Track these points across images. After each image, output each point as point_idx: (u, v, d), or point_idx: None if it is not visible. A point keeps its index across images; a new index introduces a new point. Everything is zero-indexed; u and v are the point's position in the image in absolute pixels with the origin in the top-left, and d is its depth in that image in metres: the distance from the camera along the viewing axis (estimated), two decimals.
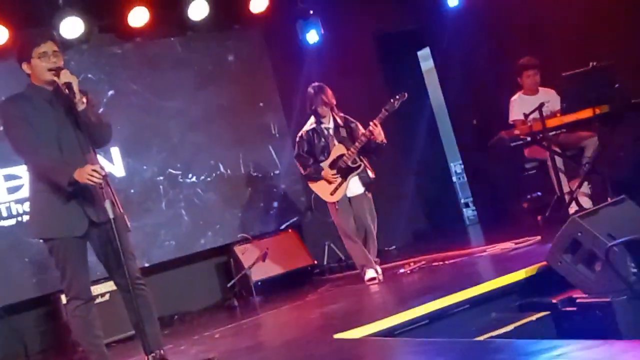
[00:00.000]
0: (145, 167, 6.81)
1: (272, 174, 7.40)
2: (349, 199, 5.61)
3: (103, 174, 3.33)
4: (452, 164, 9.29)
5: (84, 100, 3.42)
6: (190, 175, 7.01)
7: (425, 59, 8.89)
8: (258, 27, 7.43)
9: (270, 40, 7.55)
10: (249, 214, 7.20)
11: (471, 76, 7.99)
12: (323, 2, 7.61)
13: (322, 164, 5.64)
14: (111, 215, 3.30)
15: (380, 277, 5.54)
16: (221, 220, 7.04)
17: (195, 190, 7.01)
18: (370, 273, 5.54)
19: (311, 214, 7.09)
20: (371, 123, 5.42)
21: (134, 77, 6.82)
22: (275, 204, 7.34)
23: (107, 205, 3.31)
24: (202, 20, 6.89)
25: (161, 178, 6.88)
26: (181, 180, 6.96)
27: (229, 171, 7.19)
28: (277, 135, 7.49)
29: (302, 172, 5.75)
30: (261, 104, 7.48)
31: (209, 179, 7.09)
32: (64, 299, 3.67)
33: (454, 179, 9.32)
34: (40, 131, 3.41)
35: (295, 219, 7.34)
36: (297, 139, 5.76)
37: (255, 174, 7.33)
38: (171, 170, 6.93)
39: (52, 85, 3.49)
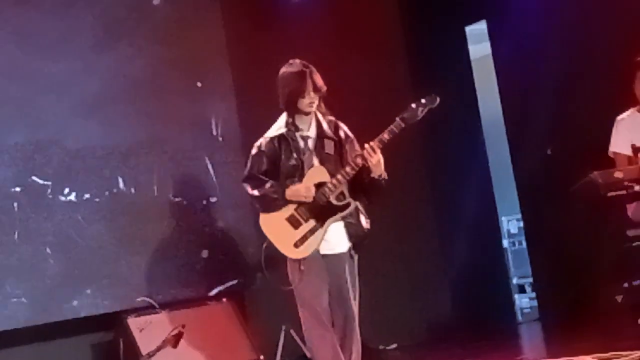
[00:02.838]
0: None
1: (204, 202, 7.42)
2: (324, 257, 5.56)
3: None
4: (504, 219, 9.31)
5: None
6: (66, 191, 6.99)
7: (478, 39, 8.95)
8: None
9: None
10: (159, 265, 7.19)
11: (551, 73, 8.01)
12: None
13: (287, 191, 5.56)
14: None
15: None
16: (111, 272, 7.02)
17: (73, 217, 6.99)
18: None
19: (263, 277, 7.03)
20: (367, 145, 5.42)
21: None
22: (205, 254, 7.34)
23: None
24: None
25: (17, 190, 6.83)
26: (51, 196, 6.94)
27: (132, 190, 7.20)
28: (221, 138, 7.52)
29: (254, 193, 5.67)
30: (199, 84, 7.52)
31: (97, 199, 7.08)
32: None
33: (506, 244, 9.33)
34: None
35: (234, 281, 7.34)
36: (254, 150, 5.72)
37: (176, 199, 7.35)
38: (36, 179, 6.90)
39: None
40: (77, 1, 7.13)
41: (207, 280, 7.30)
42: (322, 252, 5.54)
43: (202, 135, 7.48)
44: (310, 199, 5.50)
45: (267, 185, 5.59)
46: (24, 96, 6.90)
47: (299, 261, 5.55)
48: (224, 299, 7.22)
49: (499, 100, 8.73)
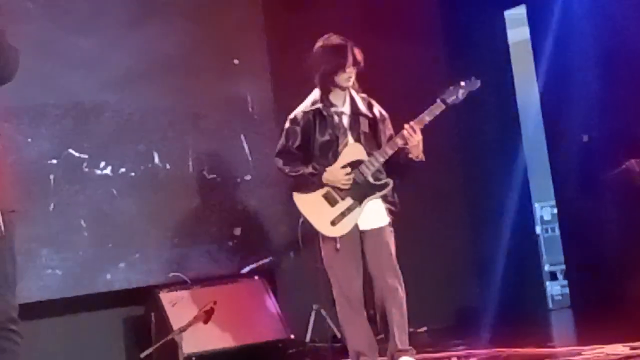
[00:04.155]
0: (29, 141, 6.82)
1: (238, 180, 7.45)
2: (362, 233, 5.57)
3: None
4: (537, 205, 9.26)
5: None
6: (102, 165, 7.04)
7: (517, 24, 8.92)
8: None
9: None
10: (192, 241, 7.23)
11: (590, 59, 7.98)
12: None
13: (327, 169, 5.56)
14: None
15: None
16: (144, 246, 7.07)
17: (108, 190, 7.04)
18: None
19: (295, 255, 7.05)
20: (407, 126, 5.42)
21: None
22: (237, 231, 7.38)
23: None
24: None
25: (54, 162, 6.88)
26: (86, 170, 6.98)
27: (167, 166, 7.24)
28: (256, 116, 7.54)
29: (286, 172, 5.70)
30: (236, 62, 7.53)
31: (132, 173, 7.13)
32: None
33: (538, 230, 9.28)
34: None
35: (266, 260, 7.37)
36: (287, 124, 5.72)
37: (210, 176, 7.37)
38: (72, 152, 6.95)
39: None
40: None
41: (239, 258, 7.34)
42: (362, 227, 5.54)
43: (238, 112, 7.50)
44: (347, 186, 5.50)
45: (304, 168, 5.59)
46: (61, 70, 6.93)
47: (334, 239, 5.56)
48: (256, 277, 7.23)
49: (536, 85, 8.70)
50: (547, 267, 9.18)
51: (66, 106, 6.97)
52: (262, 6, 7.67)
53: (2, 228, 3.40)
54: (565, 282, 8.88)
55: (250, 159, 7.48)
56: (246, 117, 7.55)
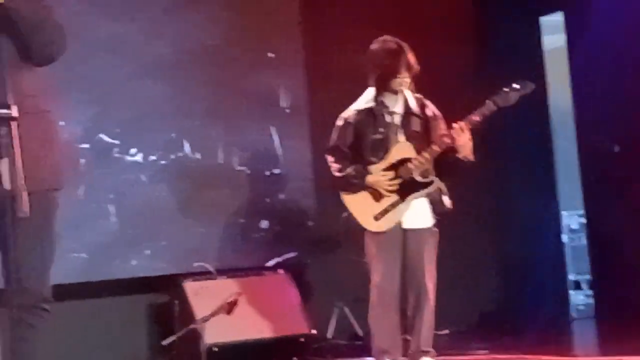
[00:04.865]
0: (62, 124, 6.80)
1: (268, 173, 7.48)
2: (404, 232, 5.59)
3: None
4: (565, 214, 9.23)
5: None
6: (132, 151, 7.09)
7: (553, 30, 8.87)
8: None
9: None
10: (219, 232, 7.29)
11: (626, 70, 7.91)
12: None
13: (371, 168, 5.61)
14: (6, 185, 3.30)
15: None
16: (170, 234, 7.11)
17: (138, 177, 7.09)
18: None
19: (321, 250, 7.08)
20: (456, 125, 5.44)
21: None
22: (264, 224, 7.41)
23: (3, 168, 3.32)
24: None
25: (86, 146, 6.92)
26: (117, 155, 7.03)
27: (197, 155, 7.28)
28: (288, 110, 7.58)
29: (335, 172, 5.75)
30: (270, 55, 7.56)
31: (163, 161, 7.18)
32: None
33: (565, 238, 9.26)
34: None
35: (292, 254, 7.41)
36: (340, 121, 5.77)
37: (240, 167, 7.41)
38: (103, 137, 6.99)
39: None
40: None
41: (265, 251, 7.37)
42: (405, 225, 5.57)
43: (270, 106, 7.53)
44: (389, 193, 5.54)
45: (350, 169, 5.64)
46: (97, 56, 6.96)
47: (377, 234, 5.59)
48: (280, 271, 7.24)
49: (570, 93, 8.66)
50: (571, 276, 9.15)
51: (99, 91, 6.99)
52: (299, 0, 7.68)
53: (26, 208, 3.34)
54: (589, 292, 8.83)
55: (280, 152, 7.51)
56: (278, 110, 7.58)
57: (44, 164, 3.63)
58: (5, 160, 3.30)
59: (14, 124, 3.31)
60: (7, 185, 3.28)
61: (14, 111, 3.30)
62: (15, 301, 3.45)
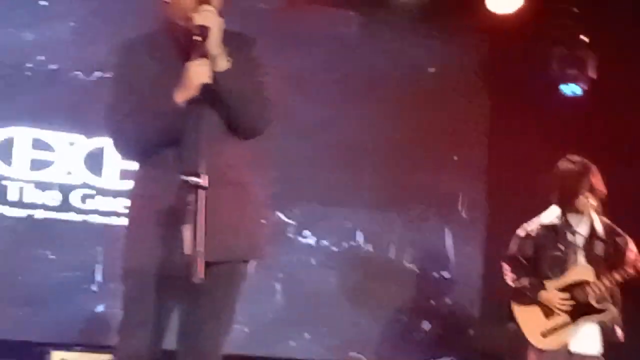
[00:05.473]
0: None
1: (437, 275, 7.45)
2: (570, 355, 5.48)
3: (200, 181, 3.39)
4: None
5: (226, 57, 3.50)
6: (306, 233, 7.19)
7: None
8: (494, 35, 7.48)
9: (502, 62, 7.61)
10: (380, 326, 7.27)
11: None
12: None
13: (546, 283, 5.55)
14: (186, 251, 3.35)
15: None
16: (332, 321, 7.12)
17: (308, 260, 7.18)
18: None
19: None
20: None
21: (276, 49, 7.06)
22: (426, 325, 7.37)
23: (186, 233, 3.37)
24: None
25: (262, 221, 7.01)
26: (291, 235, 7.14)
27: (369, 247, 7.32)
28: (465, 215, 7.55)
29: (509, 281, 5.71)
30: (455, 158, 7.58)
31: (335, 248, 7.24)
32: None
33: None
34: (153, 95, 3.57)
35: (449, 359, 7.33)
36: (521, 233, 5.75)
37: (410, 265, 7.40)
38: (280, 215, 7.12)
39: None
40: (352, 56, 7.35)
41: (423, 352, 7.28)
42: (572, 348, 5.47)
43: (447, 208, 7.51)
44: (561, 312, 5.47)
45: (525, 280, 5.60)
46: (288, 136, 6.90)
47: (541, 352, 5.50)
48: None
49: None
50: None
51: (283, 170, 7.06)
52: (489, 106, 7.67)
53: (201, 275, 3.36)
54: None
55: (451, 256, 7.47)
56: (455, 214, 7.55)
57: (238, 234, 3.70)
58: (189, 227, 3.36)
59: (202, 193, 3.36)
60: (187, 250, 3.32)
61: (204, 180, 3.34)
62: None
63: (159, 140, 3.58)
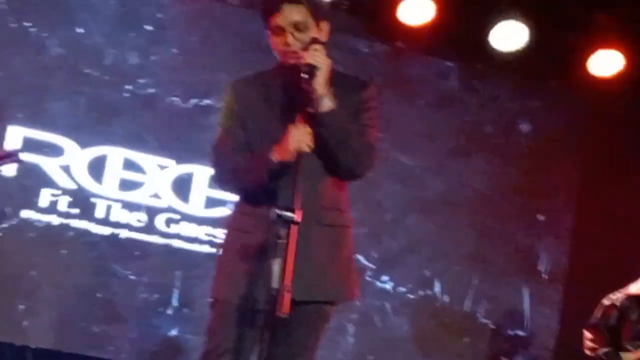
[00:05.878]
0: None
1: (511, 333, 7.38)
2: None
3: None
4: None
5: (331, 98, 3.59)
6: (384, 278, 7.18)
7: None
8: (593, 97, 7.42)
9: (599, 126, 7.55)
10: None
11: None
12: None
13: (623, 355, 5.49)
14: (274, 285, 3.37)
15: None
16: None
17: (382, 304, 7.15)
18: None
19: None
20: None
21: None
22: None
23: (275, 267, 3.40)
24: (511, 53, 7.06)
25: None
26: (369, 279, 7.13)
27: (445, 298, 7.28)
28: (545, 275, 7.47)
29: (586, 349, 5.66)
30: (541, 218, 7.53)
31: (411, 295, 7.21)
32: None
33: None
34: (260, 133, 3.71)
35: None
36: (606, 301, 5.71)
37: (484, 320, 7.34)
38: (360, 259, 7.07)
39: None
40: (449, 105, 7.41)
41: None
42: None
43: (527, 266, 7.44)
44: None
45: (602, 351, 5.55)
46: (382, 181, 7.07)
47: None
48: None
49: None
50: None
51: (371, 215, 7.11)
52: (580, 170, 7.60)
53: (286, 310, 3.38)
54: None
55: (527, 315, 7.39)
56: (534, 272, 7.47)
57: (327, 275, 3.74)
58: (278, 260, 3.39)
59: (294, 228, 3.41)
60: (275, 284, 3.35)
61: (298, 216, 3.39)
62: None
63: (254, 186, 3.71)
